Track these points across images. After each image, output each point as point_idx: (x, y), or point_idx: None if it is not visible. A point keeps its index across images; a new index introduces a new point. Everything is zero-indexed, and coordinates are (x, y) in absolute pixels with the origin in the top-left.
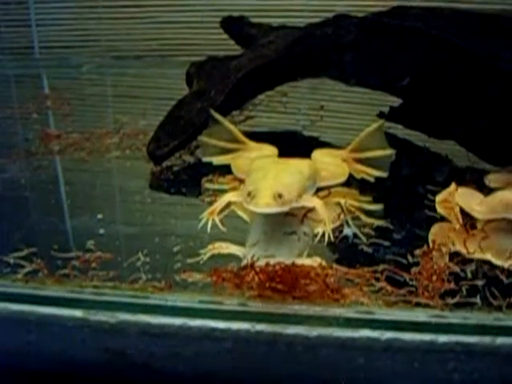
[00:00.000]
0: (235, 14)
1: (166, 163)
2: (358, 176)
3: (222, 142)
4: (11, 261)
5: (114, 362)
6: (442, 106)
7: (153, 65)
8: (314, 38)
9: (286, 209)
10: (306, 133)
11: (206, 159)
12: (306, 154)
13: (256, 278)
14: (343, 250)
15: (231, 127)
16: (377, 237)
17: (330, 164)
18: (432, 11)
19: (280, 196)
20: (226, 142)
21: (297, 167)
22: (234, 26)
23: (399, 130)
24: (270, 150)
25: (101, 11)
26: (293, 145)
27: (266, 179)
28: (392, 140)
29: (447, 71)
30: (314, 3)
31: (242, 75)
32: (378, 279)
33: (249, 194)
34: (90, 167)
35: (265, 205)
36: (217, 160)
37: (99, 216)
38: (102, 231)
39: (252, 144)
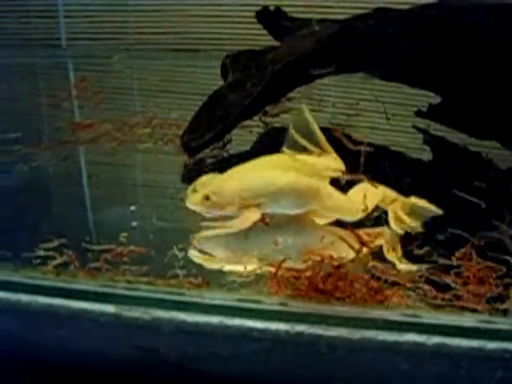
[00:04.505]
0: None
1: (198, 155)
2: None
3: (306, 142)
4: (41, 252)
5: (147, 361)
6: (484, 104)
7: (182, 58)
8: (354, 31)
9: (213, 211)
10: (341, 129)
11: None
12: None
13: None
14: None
15: (318, 131)
16: (420, 238)
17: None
18: (478, 4)
19: (207, 198)
20: (309, 143)
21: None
22: (270, 18)
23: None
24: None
25: (130, 3)
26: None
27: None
28: (430, 139)
29: (491, 67)
30: None
31: (280, 68)
32: (423, 281)
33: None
34: (121, 157)
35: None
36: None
37: (131, 208)
38: (134, 224)
39: (330, 152)
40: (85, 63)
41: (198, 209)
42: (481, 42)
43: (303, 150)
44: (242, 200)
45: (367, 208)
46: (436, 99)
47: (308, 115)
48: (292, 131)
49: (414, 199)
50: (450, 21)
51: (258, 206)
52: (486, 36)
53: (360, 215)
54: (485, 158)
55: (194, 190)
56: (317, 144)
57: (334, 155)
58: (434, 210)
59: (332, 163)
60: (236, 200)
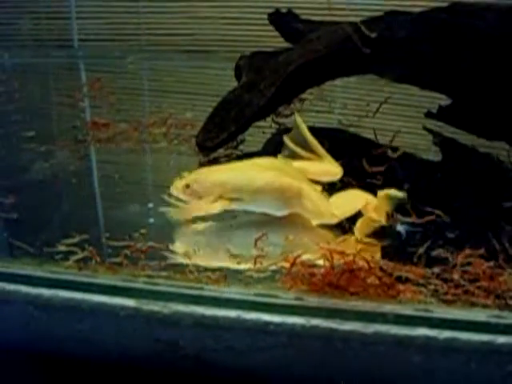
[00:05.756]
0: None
1: (213, 155)
2: None
3: (300, 149)
4: (63, 247)
5: (166, 354)
6: (494, 105)
7: (194, 59)
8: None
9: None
10: (351, 130)
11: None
12: (346, 152)
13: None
14: (397, 247)
15: (311, 138)
16: (431, 235)
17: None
18: (489, 7)
19: (188, 186)
20: (303, 150)
21: (262, 179)
22: (282, 20)
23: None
24: (334, 168)
25: (141, 5)
26: (336, 142)
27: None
28: (440, 140)
29: (501, 70)
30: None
31: (293, 69)
32: (434, 277)
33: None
34: (137, 156)
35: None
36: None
37: (149, 205)
38: (151, 220)
39: (326, 157)
40: (97, 64)
41: (179, 195)
42: (491, 44)
43: (301, 157)
44: (221, 192)
45: (344, 213)
46: (446, 101)
47: (301, 124)
48: (287, 140)
49: (381, 194)
50: (460, 24)
51: (235, 200)
52: (496, 39)
53: (335, 220)
54: (494, 159)
55: (181, 178)
56: (312, 151)
57: (332, 161)
58: (400, 195)
59: (329, 168)
60: (215, 191)
